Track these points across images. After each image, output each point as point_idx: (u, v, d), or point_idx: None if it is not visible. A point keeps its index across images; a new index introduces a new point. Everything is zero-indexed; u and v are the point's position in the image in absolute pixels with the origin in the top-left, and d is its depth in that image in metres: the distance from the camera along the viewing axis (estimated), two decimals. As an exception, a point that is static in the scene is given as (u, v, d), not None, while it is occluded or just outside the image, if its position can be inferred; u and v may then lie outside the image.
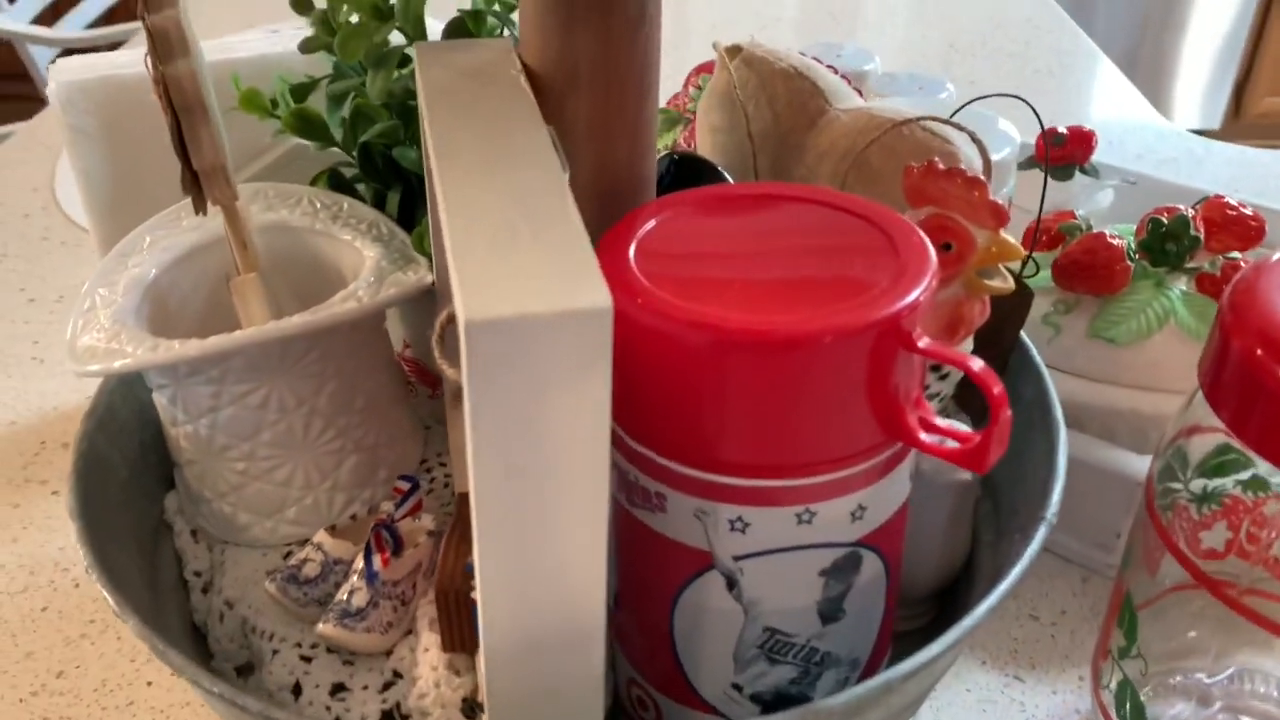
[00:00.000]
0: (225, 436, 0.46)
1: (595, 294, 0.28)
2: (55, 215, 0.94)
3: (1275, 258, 0.44)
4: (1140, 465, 0.54)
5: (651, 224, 0.39)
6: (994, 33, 1.29)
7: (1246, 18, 2.82)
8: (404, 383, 0.53)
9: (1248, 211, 0.58)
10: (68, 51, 1.95)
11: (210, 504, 0.48)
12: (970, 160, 0.48)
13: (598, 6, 0.39)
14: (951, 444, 0.35)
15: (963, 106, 0.53)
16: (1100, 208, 0.74)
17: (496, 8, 0.50)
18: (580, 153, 0.41)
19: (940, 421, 0.36)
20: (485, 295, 0.28)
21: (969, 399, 0.51)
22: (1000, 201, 0.41)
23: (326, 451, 0.47)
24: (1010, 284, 0.42)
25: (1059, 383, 0.56)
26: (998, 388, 0.34)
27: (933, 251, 0.36)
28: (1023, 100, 0.50)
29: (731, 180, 0.51)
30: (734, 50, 0.53)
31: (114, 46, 1.74)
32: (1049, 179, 0.74)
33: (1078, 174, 0.74)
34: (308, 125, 0.51)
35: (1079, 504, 0.56)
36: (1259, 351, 0.37)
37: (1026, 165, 0.73)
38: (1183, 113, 2.96)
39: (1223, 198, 0.59)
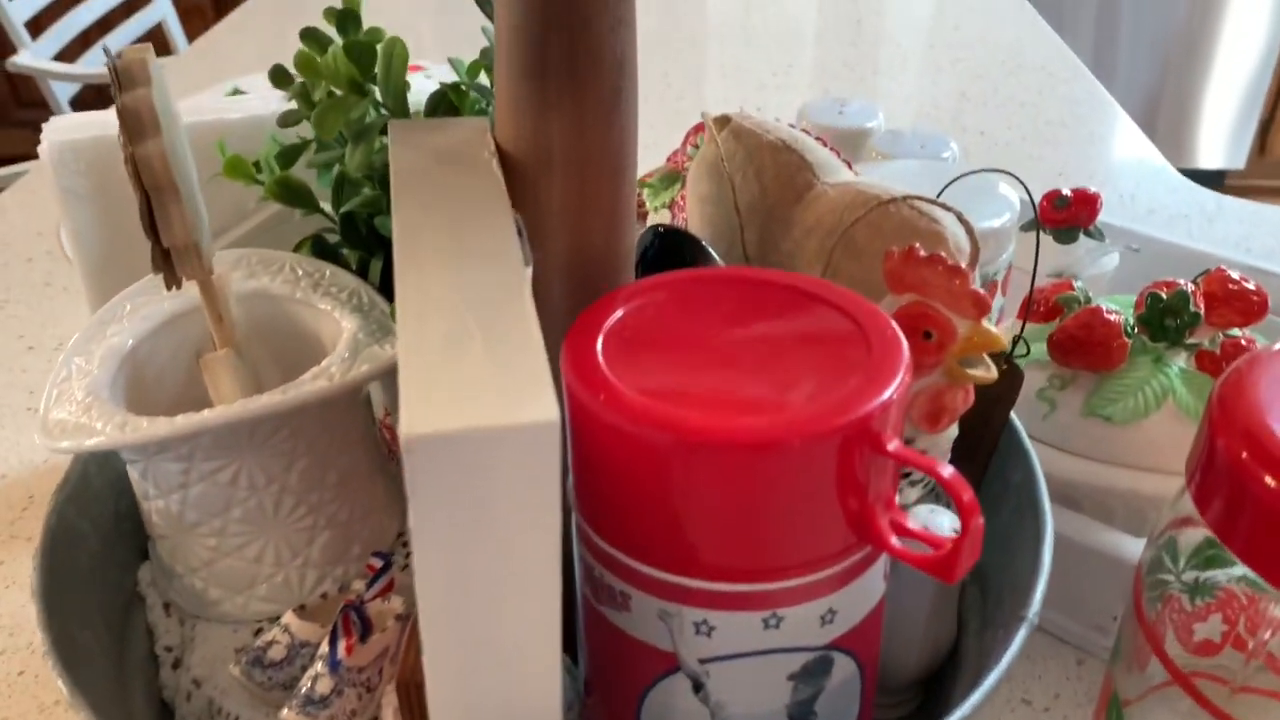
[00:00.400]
0: (196, 513, 0.45)
1: (541, 407, 0.27)
2: (59, 261, 0.94)
3: (1276, 347, 0.42)
4: (1137, 548, 0.53)
5: (623, 311, 0.38)
6: (1006, 80, 1.28)
7: (1271, 57, 2.80)
8: (382, 454, 0.52)
9: (1250, 286, 0.57)
10: (88, 87, 1.97)
11: (182, 578, 0.47)
12: (957, 239, 0.47)
13: (571, 91, 0.38)
14: (924, 549, 0.34)
15: (953, 181, 0.52)
16: (1105, 271, 0.73)
17: (484, 79, 0.50)
18: (554, 234, 0.41)
19: (913, 524, 0.35)
20: (427, 407, 0.27)
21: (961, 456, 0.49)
22: (982, 291, 0.40)
23: (298, 529, 0.46)
24: (993, 374, 0.41)
25: (1054, 461, 0.55)
26: (967, 495, 0.32)
27: (906, 347, 0.35)
28: (1013, 176, 0.49)
29: (715, 254, 0.50)
30: (722, 121, 0.53)
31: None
32: (1054, 241, 0.73)
33: (1082, 237, 0.72)
34: (291, 193, 0.51)
35: (1074, 585, 0.54)
36: (1244, 454, 0.36)
37: (1029, 227, 0.72)
38: (1207, 152, 2.94)
39: (1225, 270, 0.57)
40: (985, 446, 0.49)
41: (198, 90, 1.04)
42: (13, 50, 1.89)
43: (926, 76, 1.32)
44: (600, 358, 0.35)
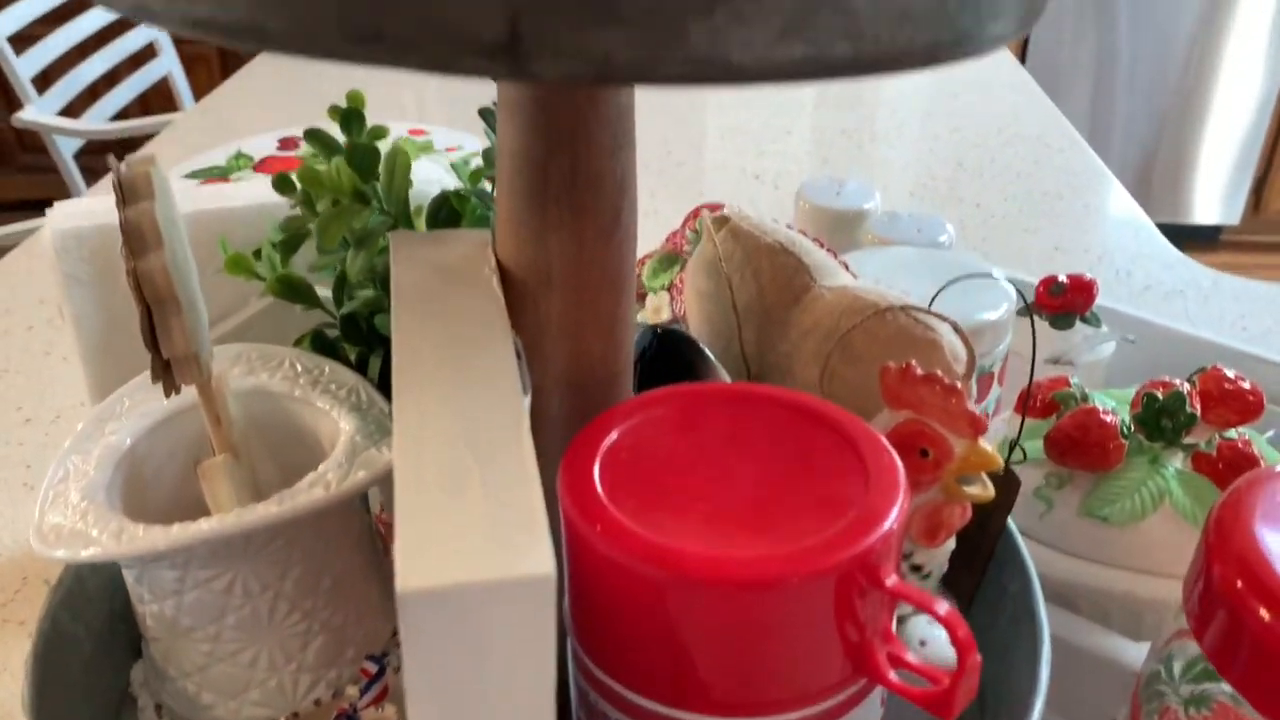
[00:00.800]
0: (190, 618, 0.45)
1: (536, 560, 0.27)
2: (60, 330, 0.94)
3: (1277, 468, 0.42)
4: (1134, 653, 0.52)
5: (621, 431, 0.38)
6: (1003, 150, 1.29)
7: (1266, 114, 2.83)
8: (377, 553, 0.52)
9: (1245, 385, 0.57)
10: (91, 143, 1.99)
11: (175, 682, 0.47)
12: (953, 348, 0.47)
13: (571, 214, 0.38)
14: (921, 682, 0.34)
15: (948, 285, 0.52)
16: (1101, 358, 0.73)
17: (486, 185, 0.50)
18: (553, 349, 0.41)
19: (911, 657, 0.35)
20: (423, 559, 0.27)
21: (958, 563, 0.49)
22: (978, 411, 0.40)
23: (292, 634, 0.46)
24: (990, 492, 0.41)
25: (1051, 561, 0.55)
26: (962, 631, 0.32)
27: (903, 476, 0.35)
28: (1007, 281, 0.49)
29: (712, 355, 0.50)
30: (720, 221, 0.53)
31: (136, 141, 1.76)
32: (1050, 327, 0.74)
33: (1079, 323, 0.73)
34: (292, 289, 0.51)
35: (1072, 687, 0.54)
36: (1239, 584, 0.36)
37: (1024, 313, 0.72)
38: (1203, 208, 2.97)
39: (1220, 370, 0.58)
40: (983, 553, 0.49)
41: (201, 150, 1.05)
42: (19, 104, 1.91)
43: (924, 145, 1.33)
44: (598, 483, 0.35)
